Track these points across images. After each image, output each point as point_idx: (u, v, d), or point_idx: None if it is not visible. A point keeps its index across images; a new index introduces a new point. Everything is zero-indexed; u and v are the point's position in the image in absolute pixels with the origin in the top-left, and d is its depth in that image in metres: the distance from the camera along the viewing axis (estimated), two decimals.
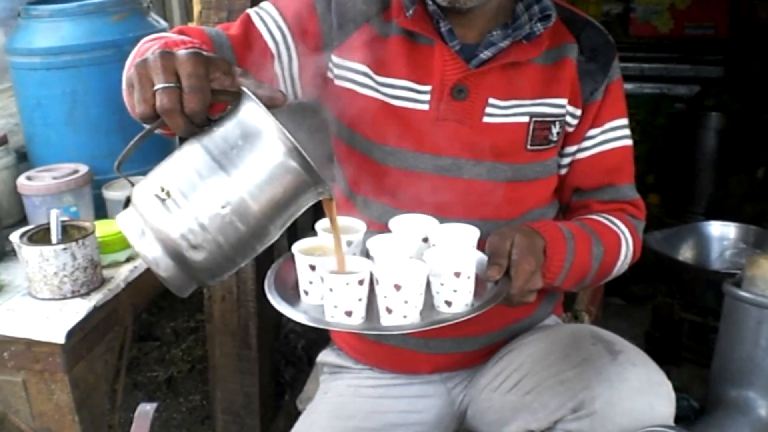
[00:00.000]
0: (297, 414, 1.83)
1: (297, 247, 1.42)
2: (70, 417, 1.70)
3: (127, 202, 1.15)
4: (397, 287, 1.30)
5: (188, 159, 1.11)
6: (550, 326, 1.79)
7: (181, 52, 1.13)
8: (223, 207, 1.09)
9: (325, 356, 1.89)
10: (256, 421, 2.41)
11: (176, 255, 1.10)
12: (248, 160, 1.09)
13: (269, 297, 1.41)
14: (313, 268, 1.38)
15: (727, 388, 2.29)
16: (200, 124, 1.12)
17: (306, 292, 1.42)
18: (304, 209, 1.18)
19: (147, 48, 1.36)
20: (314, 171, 1.12)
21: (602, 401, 1.44)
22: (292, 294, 1.44)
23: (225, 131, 1.11)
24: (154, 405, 1.41)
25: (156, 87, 1.10)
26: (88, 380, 1.74)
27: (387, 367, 1.77)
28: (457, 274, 1.36)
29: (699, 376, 2.97)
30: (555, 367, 1.53)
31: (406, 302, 1.32)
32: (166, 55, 1.12)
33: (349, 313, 1.34)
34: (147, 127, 1.16)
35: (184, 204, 1.08)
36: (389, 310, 1.33)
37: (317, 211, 1.33)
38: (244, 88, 1.12)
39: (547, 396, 1.52)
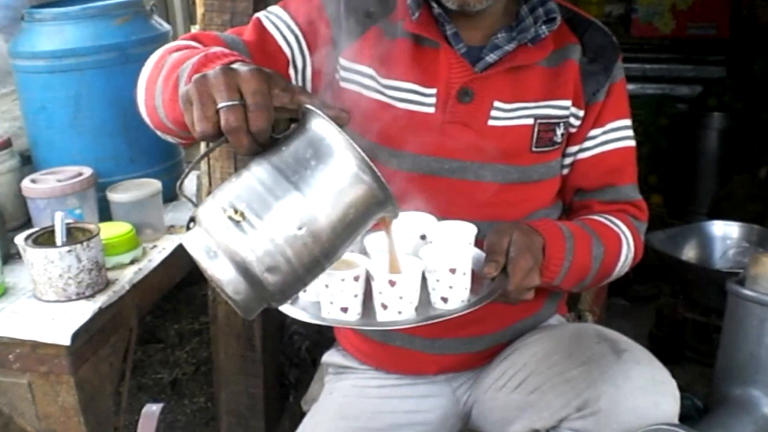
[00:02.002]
0: (302, 415, 1.83)
1: None
2: (76, 419, 1.71)
3: (190, 222, 1.13)
4: (392, 283, 1.31)
5: (260, 179, 1.09)
6: (555, 326, 1.79)
7: (244, 68, 1.11)
8: (299, 228, 1.07)
9: (329, 357, 1.89)
10: (260, 423, 2.41)
11: (250, 277, 1.08)
12: (323, 180, 1.08)
13: None
14: None
15: (731, 387, 2.29)
16: (264, 142, 1.10)
17: (304, 290, 1.42)
18: (367, 229, 1.18)
19: (178, 60, 1.32)
20: (386, 188, 1.11)
21: (607, 400, 1.44)
22: None
23: (296, 150, 1.10)
24: (161, 405, 1.42)
25: (220, 105, 1.08)
26: (94, 382, 1.74)
27: (392, 368, 1.77)
28: (453, 271, 1.36)
29: (702, 376, 2.97)
30: (560, 365, 1.54)
31: (401, 298, 1.33)
32: (229, 71, 1.10)
33: (344, 310, 1.34)
34: (168, 135, 1.15)
35: (260, 226, 1.06)
36: (384, 306, 1.34)
37: None
38: (310, 106, 1.11)
39: (551, 395, 1.52)
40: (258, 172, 1.10)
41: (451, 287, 1.38)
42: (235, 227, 1.07)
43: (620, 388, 1.45)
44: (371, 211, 1.14)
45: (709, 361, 2.82)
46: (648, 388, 1.46)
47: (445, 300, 1.39)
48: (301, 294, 1.41)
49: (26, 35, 2.11)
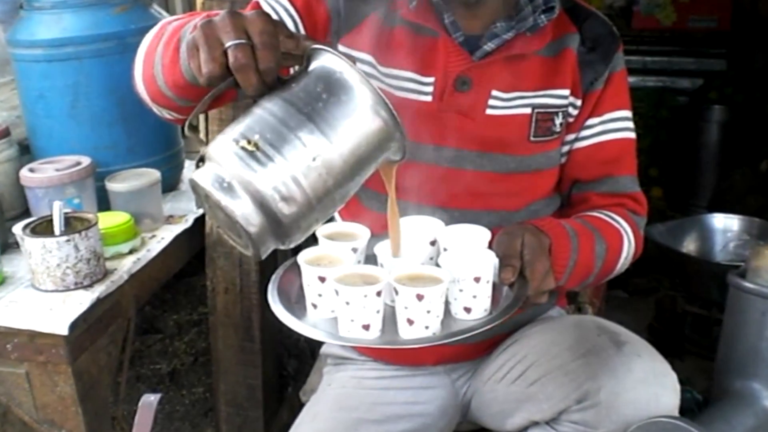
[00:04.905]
0: (300, 406, 1.82)
1: (302, 257, 1.36)
2: (74, 409, 1.70)
3: (200, 161, 1.12)
4: (420, 297, 1.25)
5: (271, 112, 1.08)
6: (555, 318, 1.79)
7: (249, 11, 1.13)
8: (314, 159, 1.07)
9: (328, 348, 1.88)
10: (259, 414, 2.40)
11: (265, 208, 1.07)
12: (336, 112, 1.09)
13: (277, 314, 1.35)
14: (322, 279, 1.32)
15: (731, 380, 2.28)
16: (271, 83, 1.11)
17: (314, 306, 1.35)
18: (374, 170, 1.17)
19: (178, 26, 1.33)
20: (398, 122, 1.12)
21: (607, 392, 1.44)
22: (297, 307, 1.38)
23: (306, 85, 1.10)
24: (158, 396, 1.41)
25: (228, 44, 1.09)
26: (92, 372, 1.74)
27: (391, 359, 1.77)
28: (477, 279, 1.32)
29: (702, 369, 2.97)
30: (560, 358, 1.53)
31: (428, 312, 1.27)
32: (234, 14, 1.12)
33: (366, 327, 1.28)
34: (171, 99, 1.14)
35: (275, 155, 1.06)
36: (410, 322, 1.27)
37: None
38: (318, 45, 1.12)
39: (551, 387, 1.52)
40: (269, 107, 1.10)
41: (475, 296, 1.33)
42: (249, 157, 1.06)
43: (621, 380, 1.45)
44: (382, 145, 1.14)
45: (708, 354, 2.82)
46: (648, 381, 1.46)
47: (468, 310, 1.35)
48: (311, 310, 1.36)
49: (25, 24, 2.10)
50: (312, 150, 1.07)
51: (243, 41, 1.09)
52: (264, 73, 1.10)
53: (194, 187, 1.13)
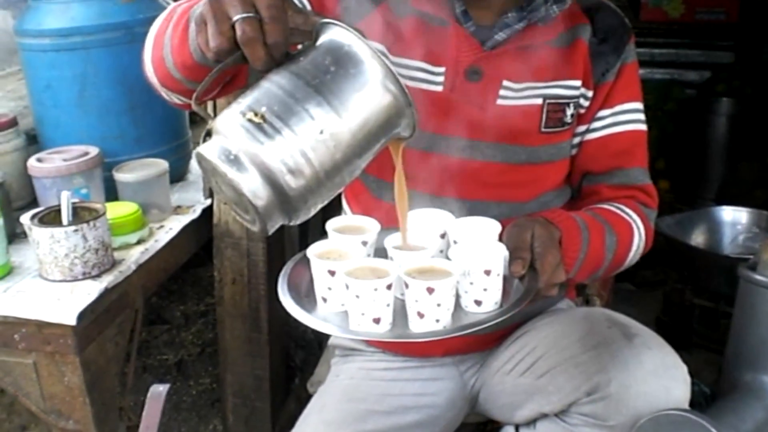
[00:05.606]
0: (307, 397, 1.82)
1: (312, 251, 1.35)
2: (81, 399, 1.70)
3: (206, 135, 1.11)
4: (430, 290, 1.24)
5: (279, 84, 1.08)
6: (564, 310, 1.78)
7: None
8: (321, 132, 1.06)
9: (336, 339, 1.88)
10: (266, 405, 2.40)
11: (273, 181, 1.06)
12: (344, 85, 1.08)
13: (287, 308, 1.33)
14: (332, 273, 1.31)
15: (741, 373, 2.27)
16: (279, 58, 1.10)
17: (324, 299, 1.34)
18: (383, 146, 1.16)
19: (188, 7, 1.32)
20: (408, 97, 1.11)
21: (617, 384, 1.43)
22: (307, 301, 1.37)
23: (314, 58, 1.09)
24: (167, 386, 1.41)
25: (235, 18, 1.09)
26: (99, 362, 1.73)
27: (399, 350, 1.77)
28: (488, 272, 1.31)
29: (710, 362, 2.96)
30: (569, 350, 1.52)
31: (438, 305, 1.26)
32: None
33: (377, 321, 1.27)
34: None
35: (282, 127, 1.05)
36: (421, 315, 1.27)
37: (325, 211, 1.24)
38: (327, 19, 1.11)
39: (561, 379, 1.51)
40: (276, 79, 1.09)
41: (485, 289, 1.33)
42: (256, 129, 1.05)
43: (631, 372, 1.44)
44: (392, 121, 1.13)
45: (716, 347, 2.81)
46: (659, 373, 1.45)
47: (478, 303, 1.34)
48: (321, 304, 1.35)
49: (32, 13, 2.09)
50: (320, 123, 1.06)
51: (251, 15, 1.08)
52: (272, 47, 1.09)
53: (200, 160, 1.12)
